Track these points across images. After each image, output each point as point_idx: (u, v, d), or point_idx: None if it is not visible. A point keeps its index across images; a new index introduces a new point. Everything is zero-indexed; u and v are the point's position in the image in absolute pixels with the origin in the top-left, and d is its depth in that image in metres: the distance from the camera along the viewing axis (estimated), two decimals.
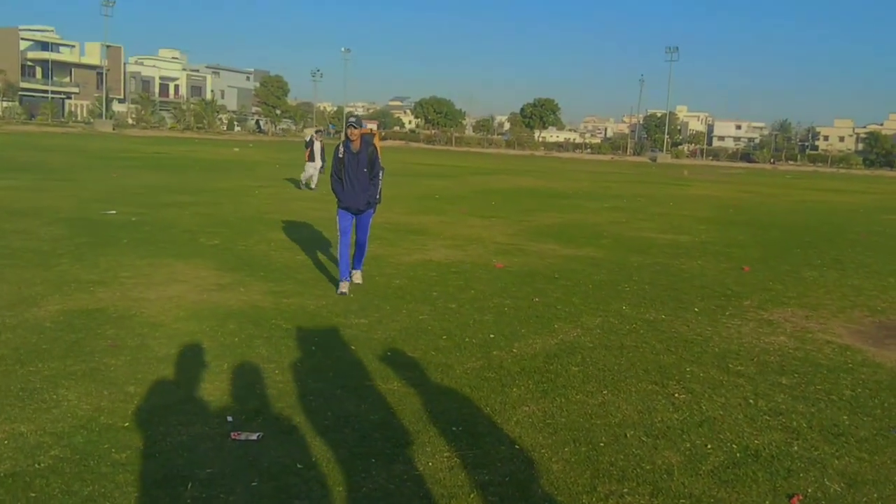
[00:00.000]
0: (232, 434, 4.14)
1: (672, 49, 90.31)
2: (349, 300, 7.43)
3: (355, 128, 7.61)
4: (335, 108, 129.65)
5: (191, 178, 22.87)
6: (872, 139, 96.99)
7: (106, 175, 21.90)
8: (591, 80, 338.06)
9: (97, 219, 12.41)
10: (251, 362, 5.40)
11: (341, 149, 7.73)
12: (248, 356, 5.53)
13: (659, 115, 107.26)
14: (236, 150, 48.73)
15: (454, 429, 4.35)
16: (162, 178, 22.10)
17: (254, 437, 4.12)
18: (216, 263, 9.00)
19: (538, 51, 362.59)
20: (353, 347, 5.88)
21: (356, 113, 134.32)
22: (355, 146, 7.66)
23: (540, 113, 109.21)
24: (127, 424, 4.23)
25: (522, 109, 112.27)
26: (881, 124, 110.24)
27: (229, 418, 4.36)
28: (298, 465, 3.82)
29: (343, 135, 7.90)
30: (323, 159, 20.67)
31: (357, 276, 8.13)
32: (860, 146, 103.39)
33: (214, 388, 4.84)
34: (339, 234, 8.02)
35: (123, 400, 4.58)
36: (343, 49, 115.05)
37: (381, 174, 7.86)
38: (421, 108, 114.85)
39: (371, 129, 8.06)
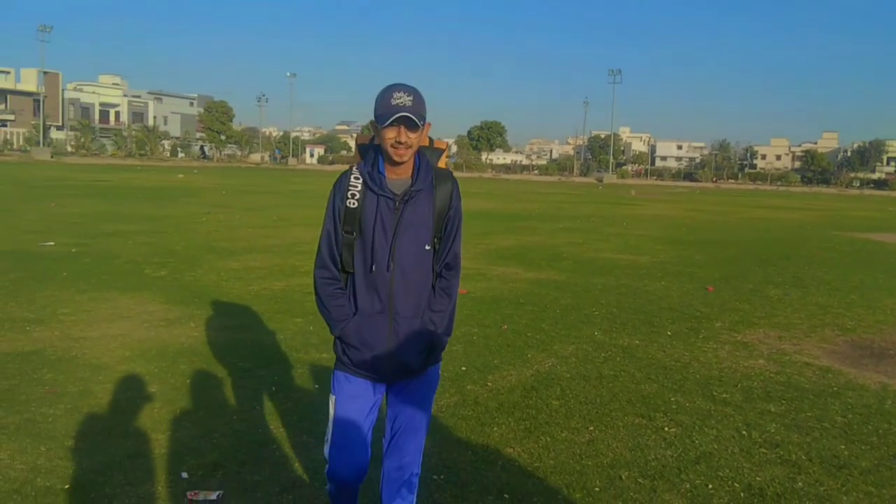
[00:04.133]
0: (188, 494, 3.68)
1: (615, 71, 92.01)
2: (308, 333, 6.97)
3: (418, 126, 2.77)
4: (281, 133, 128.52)
5: (134, 205, 22.04)
6: (809, 157, 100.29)
7: (43, 204, 20.94)
8: (536, 103, 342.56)
9: (34, 251, 11.69)
10: (206, 408, 4.92)
11: (355, 185, 2.90)
12: (202, 401, 5.05)
13: (603, 136, 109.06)
14: (181, 176, 47.61)
15: (436, 477, 3.97)
16: (103, 206, 21.23)
17: (213, 496, 3.67)
18: (163, 297, 8.45)
19: (484, 74, 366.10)
20: (317, 386, 5.45)
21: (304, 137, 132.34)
22: (400, 175, 2.89)
23: (487, 135, 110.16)
24: (67, 486, 3.74)
25: (469, 132, 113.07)
26: (815, 143, 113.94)
27: (184, 475, 3.89)
28: None
29: (355, 150, 3.18)
30: None
31: None
32: (797, 164, 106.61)
33: (166, 440, 4.36)
34: (326, 452, 2.96)
35: (63, 457, 4.08)
36: (288, 74, 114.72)
37: (459, 262, 3.01)
38: (368, 132, 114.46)
39: (439, 144, 3.09)
